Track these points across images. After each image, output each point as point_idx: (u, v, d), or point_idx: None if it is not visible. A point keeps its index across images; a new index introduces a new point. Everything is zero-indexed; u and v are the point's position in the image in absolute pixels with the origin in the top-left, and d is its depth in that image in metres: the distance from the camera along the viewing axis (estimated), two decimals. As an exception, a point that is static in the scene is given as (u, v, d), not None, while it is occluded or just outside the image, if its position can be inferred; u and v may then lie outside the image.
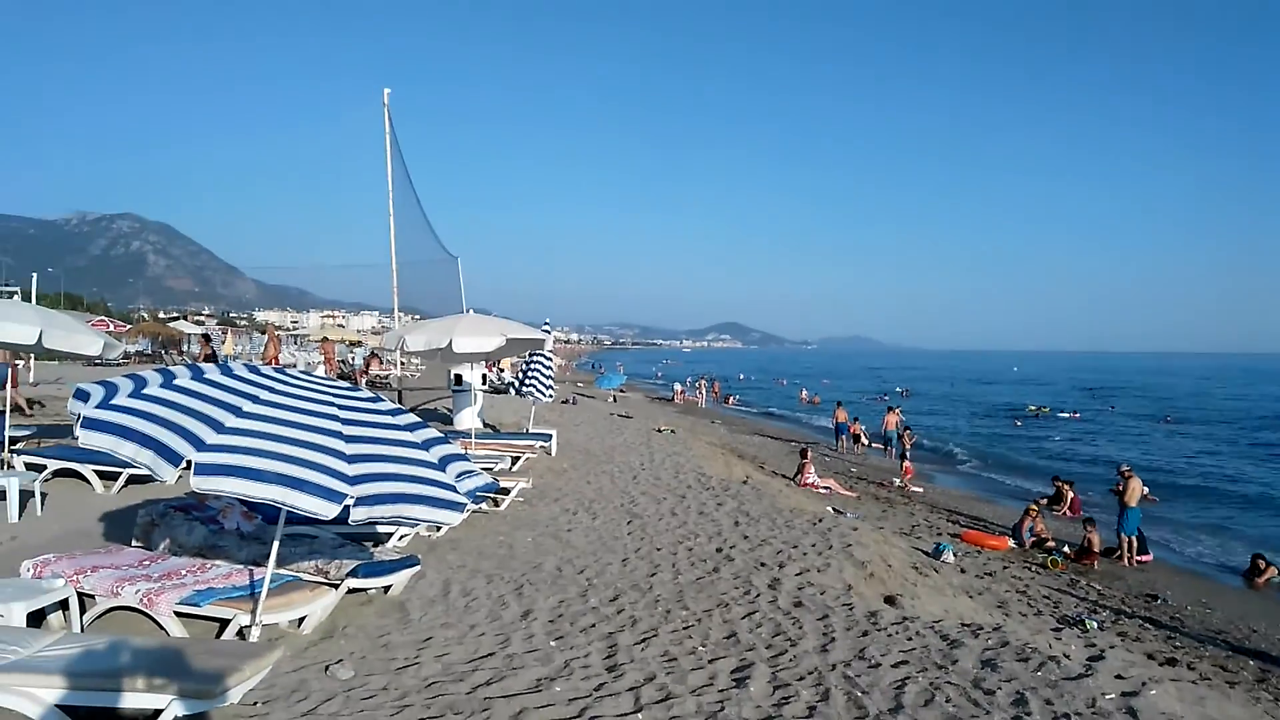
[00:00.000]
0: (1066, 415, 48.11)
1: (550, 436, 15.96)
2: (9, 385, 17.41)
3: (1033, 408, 52.89)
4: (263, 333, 56.84)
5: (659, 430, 23.27)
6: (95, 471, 10.29)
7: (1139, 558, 14.77)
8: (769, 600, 7.46)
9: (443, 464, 5.24)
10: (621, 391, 45.36)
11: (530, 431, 16.54)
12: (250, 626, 5.35)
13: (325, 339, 41.29)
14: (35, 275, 20.92)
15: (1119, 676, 5.88)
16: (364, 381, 33.21)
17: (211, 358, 19.31)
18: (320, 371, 19.82)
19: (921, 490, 20.97)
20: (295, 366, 33.93)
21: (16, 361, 16.50)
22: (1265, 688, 8.57)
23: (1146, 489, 15.59)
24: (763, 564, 8.80)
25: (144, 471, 9.30)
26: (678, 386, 50.46)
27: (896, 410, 31.15)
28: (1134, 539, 14.86)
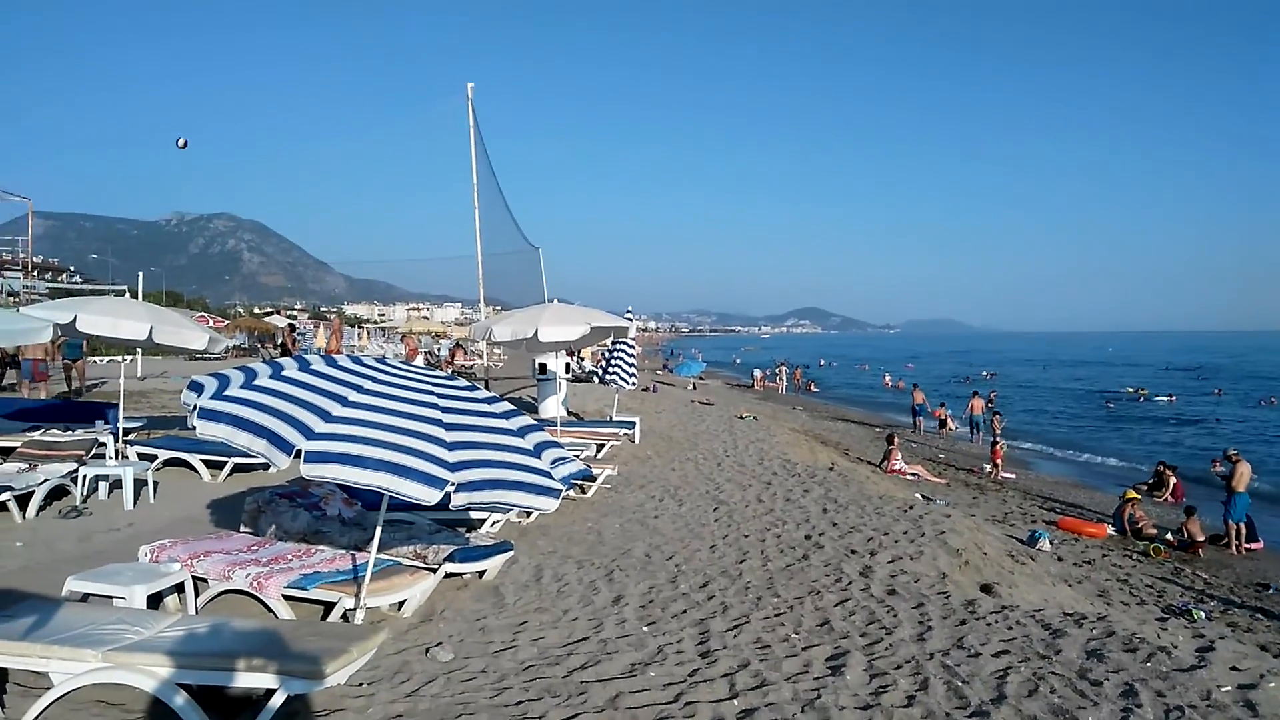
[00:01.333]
0: (1164, 399, 46.07)
1: (634, 424, 16.04)
2: (77, 378, 18.37)
3: (1130, 389, 50.90)
4: (353, 325, 58.64)
5: (740, 417, 23.16)
6: (203, 461, 10.77)
7: (1248, 545, 14.12)
8: (861, 588, 7.36)
9: (538, 451, 5.32)
10: (701, 379, 45.30)
11: (614, 419, 16.66)
12: (355, 610, 5.53)
13: (408, 332, 42.35)
14: (140, 275, 21.93)
15: (1234, 669, 5.61)
16: (450, 371, 34.08)
17: (293, 348, 19.96)
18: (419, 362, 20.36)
19: (1013, 476, 20.41)
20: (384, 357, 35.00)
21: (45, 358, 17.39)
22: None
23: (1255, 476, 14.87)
24: (853, 551, 8.68)
25: (248, 460, 9.79)
26: (757, 373, 50.13)
27: (990, 395, 30.50)
28: (1242, 526, 14.21)
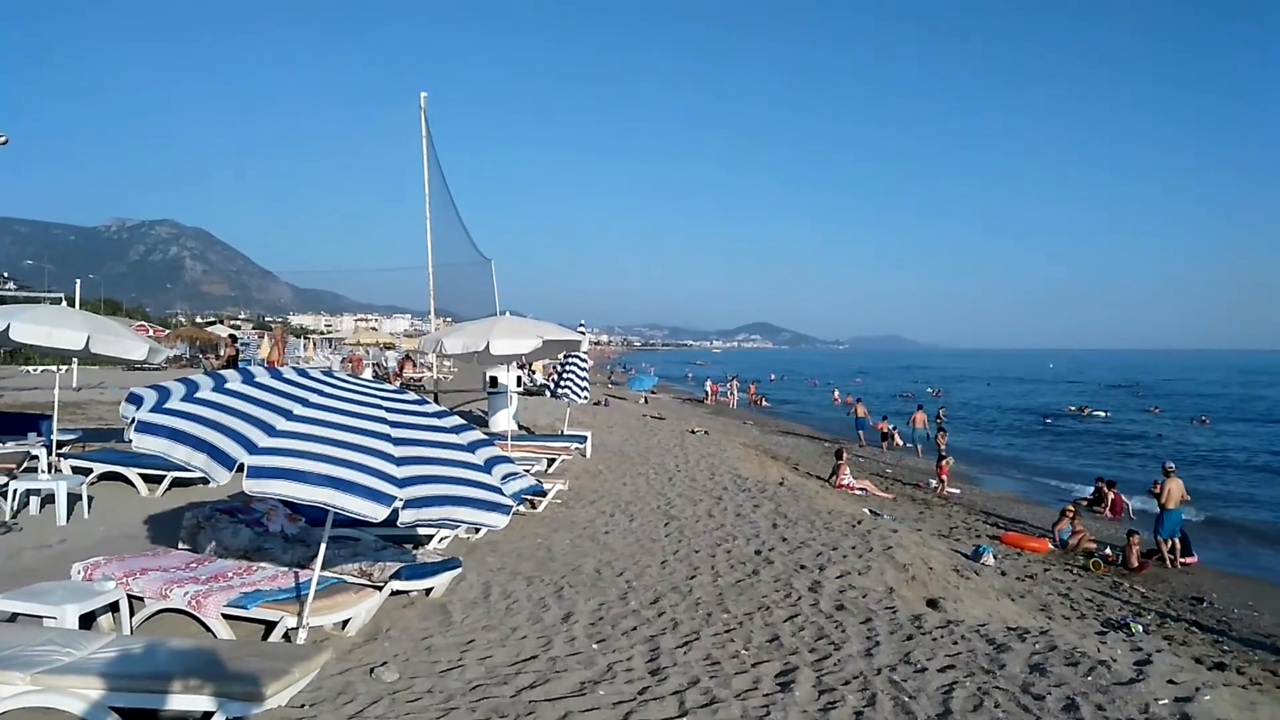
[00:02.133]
0: (1103, 415, 47.35)
1: (585, 438, 15.98)
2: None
3: (1072, 407, 52.16)
4: (298, 335, 57.58)
5: (692, 431, 23.24)
6: (140, 475, 10.46)
7: (1183, 560, 14.49)
8: (810, 603, 7.40)
9: (488, 466, 5.26)
10: (653, 393, 45.37)
11: (565, 434, 16.58)
12: (297, 629, 5.39)
13: (357, 343, 41.69)
14: (78, 282, 21.28)
15: (1170, 681, 5.75)
16: (398, 384, 33.58)
17: (234, 360, 19.51)
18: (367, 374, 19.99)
19: (958, 492, 20.74)
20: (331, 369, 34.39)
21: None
22: (1319, 693, 8.37)
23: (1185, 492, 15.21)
24: (803, 566, 8.73)
25: (187, 474, 9.53)
26: (709, 386, 50.37)
27: (939, 411, 31.18)
28: (1176, 541, 14.58)
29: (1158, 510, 14.91)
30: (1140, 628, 9.85)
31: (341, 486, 4.44)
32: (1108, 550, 14.58)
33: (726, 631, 6.50)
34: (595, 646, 5.99)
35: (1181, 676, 6.11)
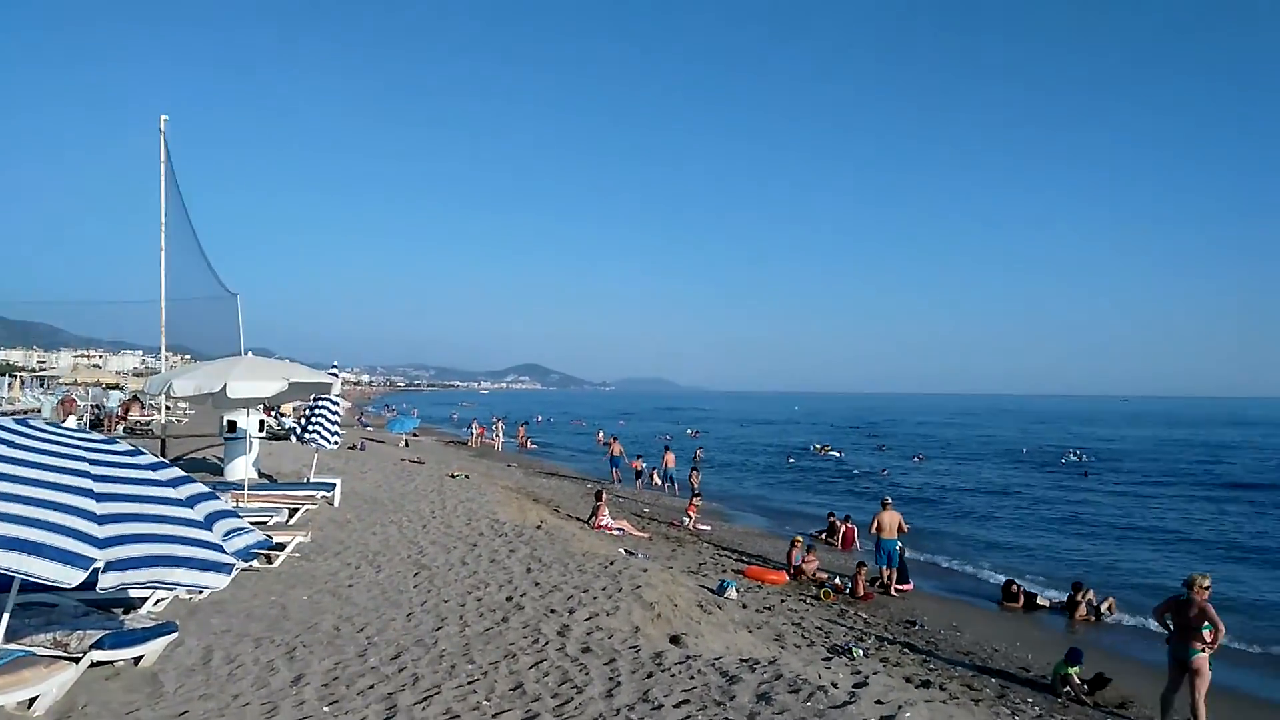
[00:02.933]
0: (839, 453, 51.62)
1: (333, 485, 15.21)
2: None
3: (816, 446, 56.41)
4: (3, 374, 50.64)
5: (452, 475, 22.77)
6: None
7: (899, 586, 15.99)
8: (557, 648, 7.47)
9: (209, 522, 4.91)
10: (415, 435, 44.08)
11: (311, 481, 15.69)
12: (-32, 713, 4.72)
13: (66, 396, 37.21)
14: None
15: (879, 702, 6.34)
16: (121, 428, 30.32)
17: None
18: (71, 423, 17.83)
19: (709, 528, 21.72)
20: (39, 413, 30.44)
21: None
22: (1004, 703, 9.52)
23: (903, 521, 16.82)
24: (553, 610, 8.80)
25: None
26: (475, 428, 49.70)
27: (696, 452, 32.69)
28: (894, 570, 16.04)
29: (875, 541, 16.37)
30: (861, 652, 10.76)
31: (25, 548, 3.98)
32: (837, 580, 15.84)
33: (470, 683, 6.41)
34: (326, 709, 5.70)
35: (892, 696, 6.76)
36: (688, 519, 21.92)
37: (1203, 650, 9.00)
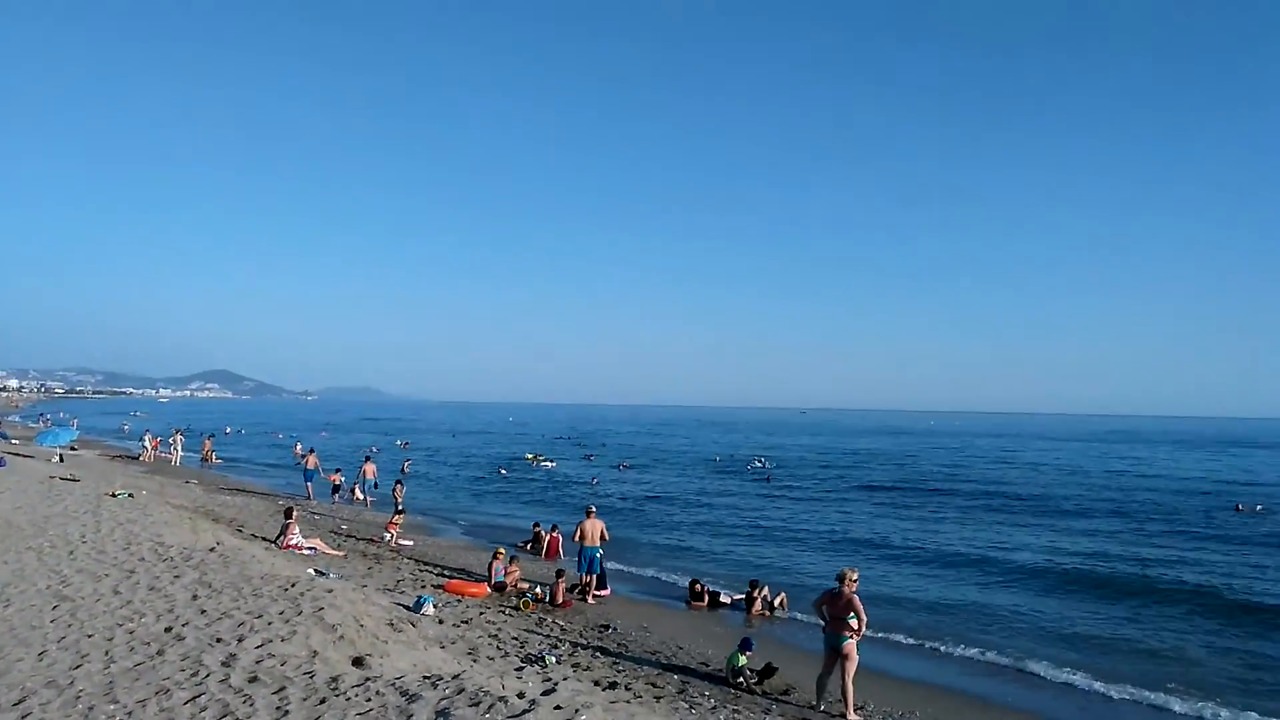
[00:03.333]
0: (551, 463, 52.47)
1: (-49, 508, 12.90)
2: None
3: (529, 456, 56.88)
4: None
5: (113, 494, 20.20)
6: None
7: (598, 592, 16.48)
8: (220, 680, 6.81)
9: None
10: (72, 449, 38.77)
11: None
12: None
13: None
14: None
15: (558, 707, 6.42)
16: None
17: None
18: None
19: (412, 543, 21.09)
20: None
21: None
22: (684, 697, 10.07)
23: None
24: (219, 640, 8.03)
25: None
26: (149, 441, 44.61)
27: (404, 464, 31.46)
28: (594, 576, 16.52)
29: (578, 550, 16.76)
30: (554, 659, 10.88)
31: None
32: (538, 590, 15.98)
33: (107, 727, 5.65)
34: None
35: (578, 699, 6.87)
36: (389, 535, 21.12)
37: (851, 637, 10.10)
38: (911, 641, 14.15)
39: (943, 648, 13.78)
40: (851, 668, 10.10)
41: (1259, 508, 33.82)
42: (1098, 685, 12.00)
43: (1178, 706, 11.27)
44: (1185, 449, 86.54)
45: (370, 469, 30.35)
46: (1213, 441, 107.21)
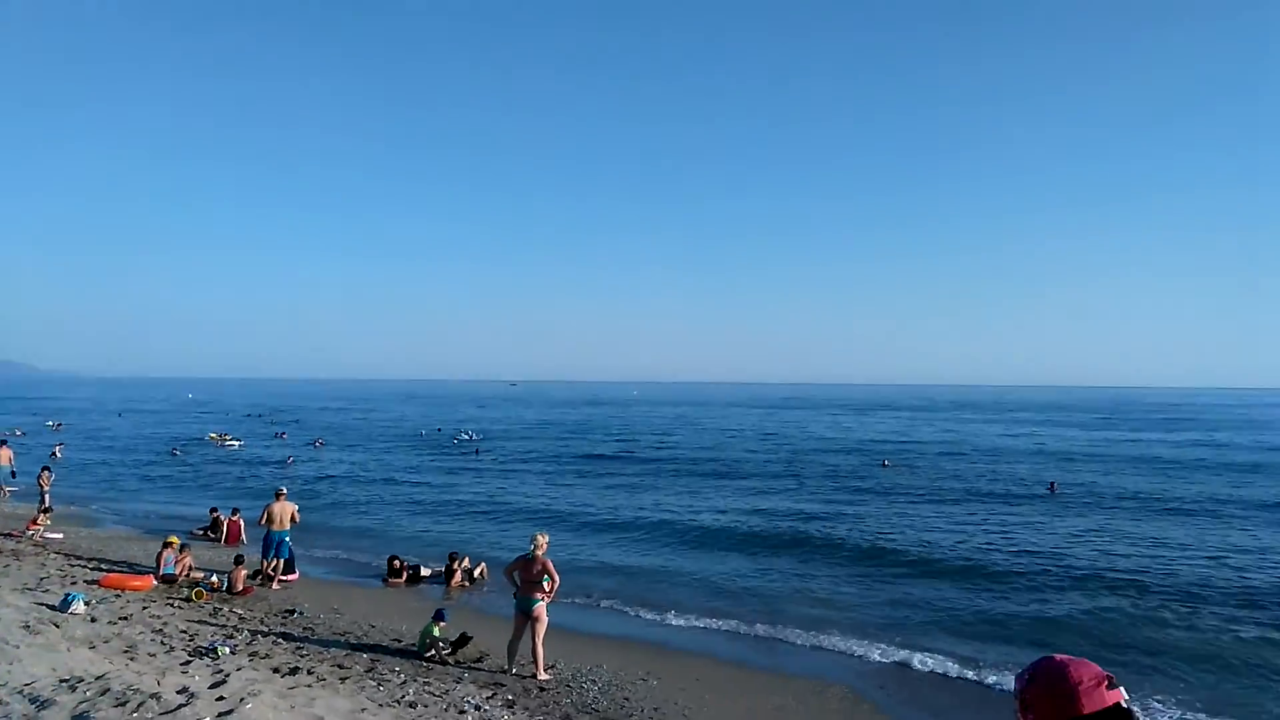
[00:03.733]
0: (238, 443, 48.57)
1: None
2: None
3: (212, 435, 52.19)
4: None
5: None
6: None
7: (284, 577, 15.55)
8: None
9: None
10: None
11: None
12: None
13: None
14: None
15: (220, 699, 6.02)
16: None
17: None
18: None
19: (61, 536, 18.63)
20: None
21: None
22: (371, 675, 9.82)
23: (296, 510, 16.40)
24: None
25: None
26: None
27: (55, 448, 27.47)
28: (280, 561, 15.54)
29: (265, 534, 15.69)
30: (228, 649, 10.14)
31: None
32: (214, 578, 14.78)
33: None
34: None
35: (252, 689, 6.46)
36: (33, 530, 18.47)
37: (542, 599, 10.42)
38: (605, 604, 14.84)
39: (630, 610, 14.53)
40: (542, 629, 10.42)
41: (899, 465, 39.25)
42: (764, 629, 13.29)
43: (839, 645, 12.63)
44: (845, 412, 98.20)
45: (6, 454, 26.26)
46: (861, 406, 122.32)
